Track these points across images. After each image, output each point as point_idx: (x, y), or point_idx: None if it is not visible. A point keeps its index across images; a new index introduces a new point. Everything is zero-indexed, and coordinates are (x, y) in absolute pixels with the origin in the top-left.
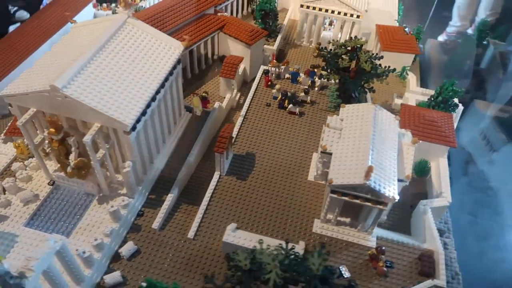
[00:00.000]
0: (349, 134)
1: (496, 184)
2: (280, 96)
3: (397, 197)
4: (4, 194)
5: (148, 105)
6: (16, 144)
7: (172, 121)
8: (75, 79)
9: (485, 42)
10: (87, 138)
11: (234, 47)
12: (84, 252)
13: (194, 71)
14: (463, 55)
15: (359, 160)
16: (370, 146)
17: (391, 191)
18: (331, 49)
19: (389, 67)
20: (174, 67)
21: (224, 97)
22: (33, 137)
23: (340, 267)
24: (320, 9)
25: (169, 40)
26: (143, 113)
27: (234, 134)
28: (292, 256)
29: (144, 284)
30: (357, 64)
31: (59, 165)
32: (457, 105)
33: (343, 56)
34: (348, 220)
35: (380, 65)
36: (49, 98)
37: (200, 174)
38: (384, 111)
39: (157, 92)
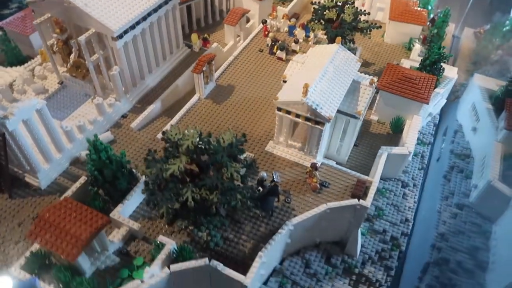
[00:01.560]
0: (307, 66)
1: (473, 152)
2: (271, 43)
3: (332, 117)
4: (23, 85)
5: (138, 22)
6: (41, 51)
7: (168, 49)
8: None
9: None
10: (81, 38)
11: (246, 3)
12: (66, 127)
13: (208, 21)
14: (493, 45)
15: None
16: (320, 75)
17: (328, 112)
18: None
19: (375, 24)
20: None
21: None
22: (47, 40)
23: (273, 173)
24: None
25: None
26: (132, 27)
27: (222, 69)
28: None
29: (91, 139)
30: (341, 17)
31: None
32: (443, 69)
33: (331, 9)
34: (298, 145)
35: (366, 21)
36: (58, 5)
37: (187, 100)
38: (348, 52)
39: (149, 14)
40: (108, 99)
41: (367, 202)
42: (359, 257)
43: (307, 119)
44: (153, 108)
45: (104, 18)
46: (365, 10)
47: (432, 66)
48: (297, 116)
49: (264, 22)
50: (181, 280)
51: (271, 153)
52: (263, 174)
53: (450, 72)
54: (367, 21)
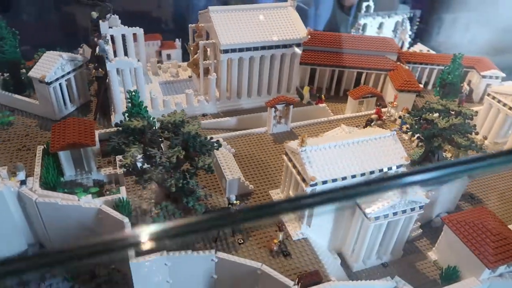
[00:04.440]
0: (348, 134)
1: None
2: (368, 120)
3: (314, 179)
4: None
5: (248, 49)
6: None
7: (275, 87)
8: (224, 12)
9: None
10: (201, 42)
11: (390, 91)
12: (154, 95)
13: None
14: None
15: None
16: (341, 142)
17: (315, 173)
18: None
19: (478, 145)
20: (291, 45)
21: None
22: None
23: (241, 204)
24: (505, 105)
25: (301, 27)
26: (241, 50)
27: (307, 123)
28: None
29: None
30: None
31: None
32: None
33: (434, 111)
34: None
35: (473, 141)
36: (205, 17)
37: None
38: (398, 144)
39: (263, 48)
40: (200, 96)
41: None
42: None
43: (298, 173)
44: (229, 120)
45: (221, 33)
46: (475, 128)
47: None
48: (294, 166)
49: (378, 105)
50: (103, 220)
51: (269, 197)
52: (232, 197)
53: None
54: (472, 141)
